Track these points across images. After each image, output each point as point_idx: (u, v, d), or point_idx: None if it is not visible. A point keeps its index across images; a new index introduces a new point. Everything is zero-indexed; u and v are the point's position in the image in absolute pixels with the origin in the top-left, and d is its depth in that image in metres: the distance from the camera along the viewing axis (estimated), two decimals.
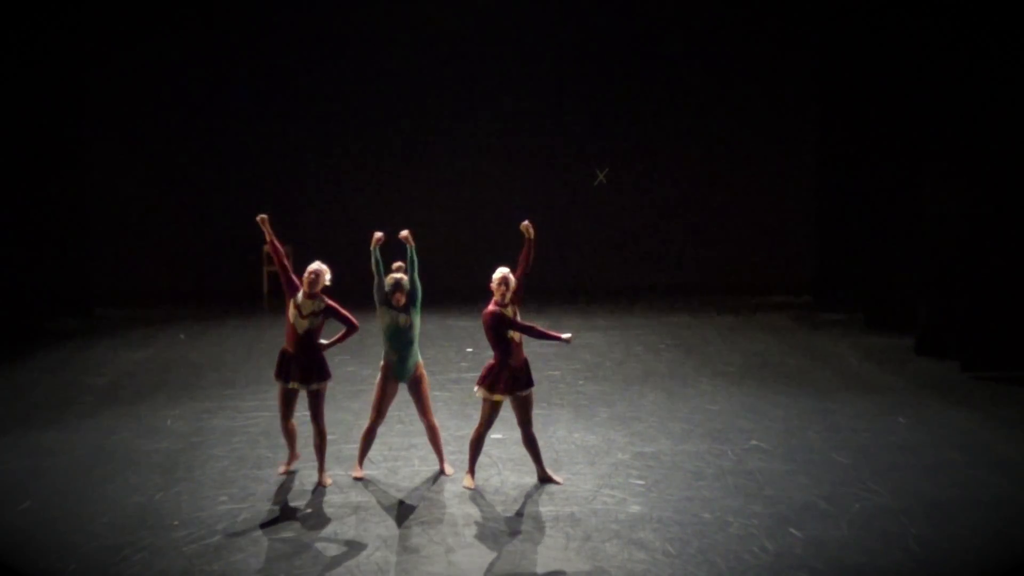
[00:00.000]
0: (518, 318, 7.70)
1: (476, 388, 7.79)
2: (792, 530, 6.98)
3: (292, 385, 7.86)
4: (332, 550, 6.70)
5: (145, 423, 9.72)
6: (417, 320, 7.84)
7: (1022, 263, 11.61)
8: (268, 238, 7.96)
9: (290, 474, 8.13)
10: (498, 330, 7.61)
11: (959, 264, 12.20)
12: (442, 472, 8.15)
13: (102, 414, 10.08)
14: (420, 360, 7.99)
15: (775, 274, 18.21)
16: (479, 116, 18.17)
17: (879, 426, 9.53)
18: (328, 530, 7.05)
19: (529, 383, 7.80)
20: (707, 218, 18.47)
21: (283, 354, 7.90)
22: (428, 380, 8.16)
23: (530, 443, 7.93)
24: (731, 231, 18.44)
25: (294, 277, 7.91)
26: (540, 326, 7.79)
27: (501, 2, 17.82)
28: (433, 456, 8.43)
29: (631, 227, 18.47)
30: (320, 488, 7.86)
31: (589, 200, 18.43)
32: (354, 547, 6.75)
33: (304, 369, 7.83)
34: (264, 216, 8.03)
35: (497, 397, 7.69)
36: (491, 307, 7.61)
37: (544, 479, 7.98)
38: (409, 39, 17.87)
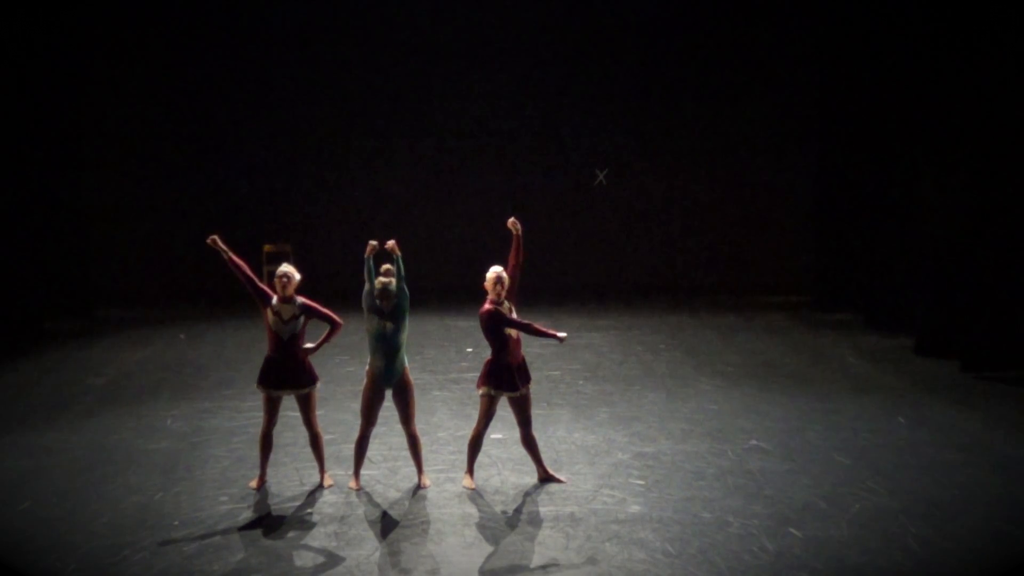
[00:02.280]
0: (514, 315, 7.72)
1: (478, 389, 7.81)
2: (792, 530, 6.98)
3: (279, 392, 7.79)
4: (332, 550, 6.70)
5: (145, 423, 9.71)
6: (404, 327, 7.73)
7: (1022, 263, 11.61)
8: (226, 256, 7.86)
9: (258, 489, 7.85)
10: (495, 327, 7.64)
11: (959, 264, 12.20)
12: (420, 485, 7.91)
13: (102, 414, 10.08)
14: (407, 367, 7.85)
15: (775, 274, 18.22)
16: (479, 116, 18.18)
17: (879, 426, 9.53)
18: (329, 530, 7.04)
19: (527, 379, 7.84)
20: (707, 218, 18.48)
21: (268, 361, 7.80)
22: (414, 388, 7.93)
23: (529, 443, 7.94)
24: (731, 231, 18.45)
25: (262, 286, 7.87)
26: (536, 324, 7.78)
27: (498, 1, 17.83)
28: (433, 456, 8.43)
29: (631, 227, 18.49)
30: (320, 489, 7.86)
31: (589, 200, 18.44)
32: (354, 547, 6.75)
33: (293, 374, 7.78)
34: (214, 237, 7.95)
35: (496, 392, 7.70)
36: (487, 305, 7.64)
37: (546, 478, 7.97)
38: (406, 39, 17.87)
